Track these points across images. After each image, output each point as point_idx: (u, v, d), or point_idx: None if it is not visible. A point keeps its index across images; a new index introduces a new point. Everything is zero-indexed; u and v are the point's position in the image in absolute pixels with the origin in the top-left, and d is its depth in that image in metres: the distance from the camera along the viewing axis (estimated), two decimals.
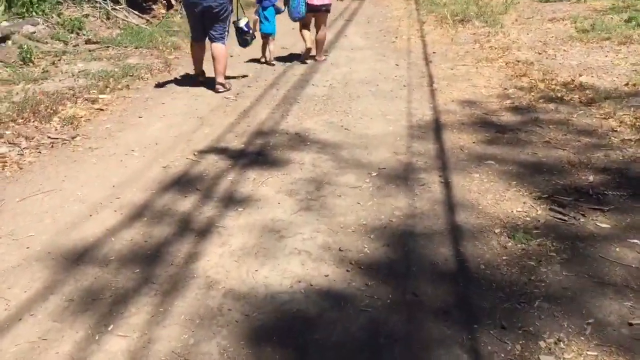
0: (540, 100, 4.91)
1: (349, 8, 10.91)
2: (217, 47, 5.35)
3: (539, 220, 2.88)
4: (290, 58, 6.95)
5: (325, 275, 2.45)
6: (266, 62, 6.62)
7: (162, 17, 9.68)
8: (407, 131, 4.29)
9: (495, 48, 7.12)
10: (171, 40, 7.79)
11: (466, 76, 5.88)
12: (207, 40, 5.51)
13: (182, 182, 3.43)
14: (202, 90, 5.52)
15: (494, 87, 5.43)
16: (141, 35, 7.88)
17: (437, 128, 4.34)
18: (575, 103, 4.83)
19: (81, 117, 4.64)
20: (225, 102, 5.12)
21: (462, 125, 4.39)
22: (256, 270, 2.49)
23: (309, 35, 6.60)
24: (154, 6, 10.23)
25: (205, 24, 5.34)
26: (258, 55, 6.73)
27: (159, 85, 5.67)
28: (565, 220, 2.87)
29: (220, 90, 5.40)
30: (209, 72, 5.71)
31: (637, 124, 4.19)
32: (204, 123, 4.55)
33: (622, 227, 2.80)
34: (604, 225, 2.81)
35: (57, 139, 4.17)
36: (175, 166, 3.68)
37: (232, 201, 3.17)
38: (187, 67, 6.40)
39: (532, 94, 5.08)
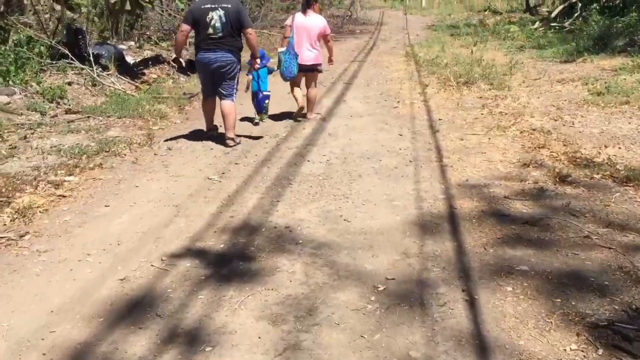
0: (568, 179, 4.27)
1: (348, 70, 10.51)
2: (226, 104, 5.59)
3: None
4: (283, 117, 6.85)
5: None
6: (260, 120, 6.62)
7: (153, 81, 9.26)
8: (417, 222, 3.63)
9: (506, 114, 6.58)
10: (158, 108, 7.27)
11: (478, 148, 5.28)
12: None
13: (141, 305, 2.72)
14: (183, 168, 4.91)
15: (511, 162, 4.82)
16: (126, 104, 7.38)
17: (452, 219, 3.68)
18: (609, 183, 4.20)
19: (38, 207, 3.98)
20: (208, 184, 4.49)
21: (481, 213, 3.73)
22: None
23: (300, 93, 6.64)
24: (145, 70, 9.85)
25: (215, 82, 5.56)
26: (251, 114, 6.53)
27: (136, 163, 5.07)
28: None
29: (230, 144, 5.58)
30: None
31: None
32: (179, 213, 3.90)
33: None
34: None
35: (1, 238, 3.51)
36: (135, 278, 2.99)
37: (199, 335, 2.46)
38: (171, 137, 5.84)
39: (557, 170, 4.45)
